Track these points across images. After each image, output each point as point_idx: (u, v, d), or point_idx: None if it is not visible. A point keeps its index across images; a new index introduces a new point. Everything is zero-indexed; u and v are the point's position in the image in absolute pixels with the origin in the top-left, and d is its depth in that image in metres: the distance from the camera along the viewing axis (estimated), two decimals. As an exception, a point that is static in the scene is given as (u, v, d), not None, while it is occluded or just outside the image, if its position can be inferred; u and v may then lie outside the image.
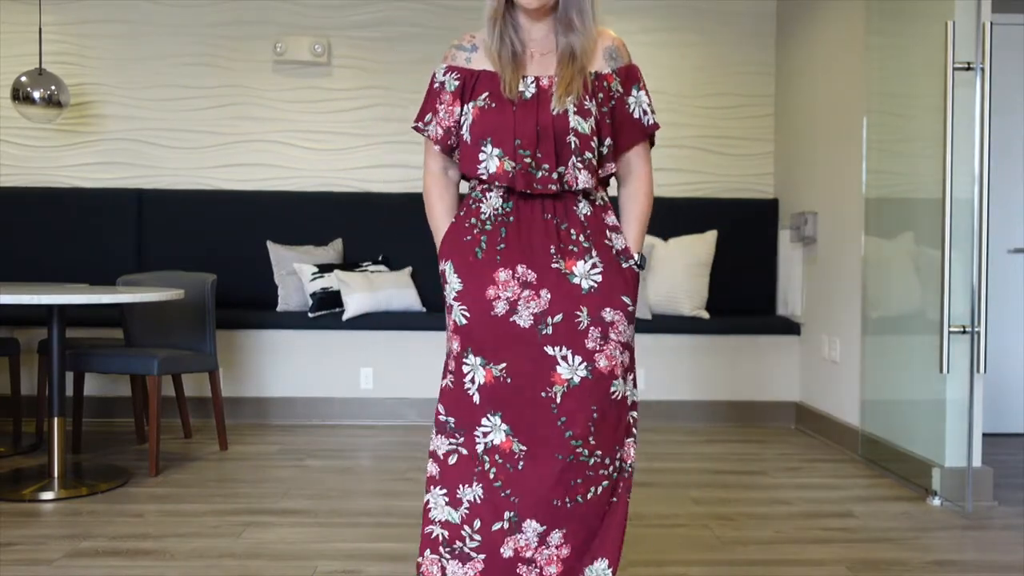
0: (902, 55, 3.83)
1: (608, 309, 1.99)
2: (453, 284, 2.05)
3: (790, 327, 4.96)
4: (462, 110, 2.02)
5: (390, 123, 5.33)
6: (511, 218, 2.01)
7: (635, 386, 2.06)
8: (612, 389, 1.98)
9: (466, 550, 1.99)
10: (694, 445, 4.44)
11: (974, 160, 3.33)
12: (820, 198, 4.71)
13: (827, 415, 4.55)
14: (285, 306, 4.90)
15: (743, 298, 5.22)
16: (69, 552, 2.74)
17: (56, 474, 3.44)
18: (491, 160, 1.97)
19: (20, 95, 4.81)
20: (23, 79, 4.82)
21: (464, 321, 2.01)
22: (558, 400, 1.95)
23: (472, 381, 2.00)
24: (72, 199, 5.13)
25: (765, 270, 5.26)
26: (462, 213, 2.08)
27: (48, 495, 3.32)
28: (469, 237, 2.03)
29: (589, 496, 1.97)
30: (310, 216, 5.17)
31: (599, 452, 1.97)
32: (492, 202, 2.03)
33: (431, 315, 4.88)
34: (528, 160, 1.95)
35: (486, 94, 1.99)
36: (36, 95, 4.80)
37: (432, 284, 5.09)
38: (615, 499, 2.02)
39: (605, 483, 1.99)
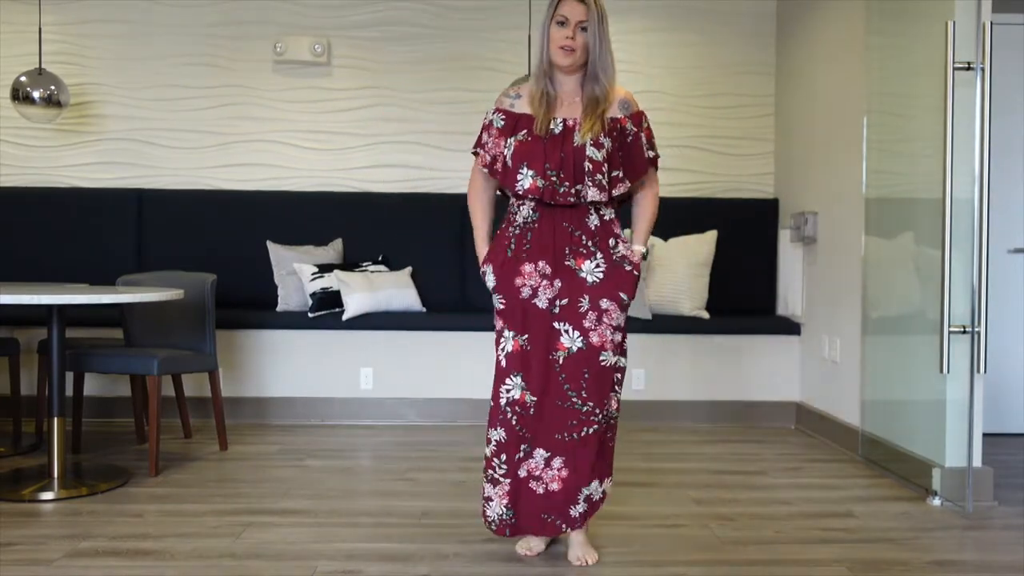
0: (902, 55, 3.83)
1: (605, 299, 2.64)
2: (490, 281, 2.71)
3: (790, 327, 4.96)
4: (506, 143, 2.66)
5: (390, 123, 5.33)
6: (536, 224, 2.66)
7: (624, 356, 2.70)
8: (601, 358, 2.64)
9: (496, 476, 2.70)
10: (694, 445, 4.44)
11: (974, 160, 3.33)
12: (820, 198, 4.71)
13: (827, 415, 4.55)
14: (285, 306, 4.90)
15: (743, 298, 5.21)
16: (69, 552, 2.74)
17: (56, 474, 3.44)
18: (526, 179, 2.62)
19: (20, 95, 4.81)
20: (23, 79, 4.82)
21: (502, 307, 2.69)
22: (560, 362, 2.64)
23: (503, 350, 2.69)
24: (72, 199, 5.14)
25: (765, 270, 5.26)
26: (504, 225, 2.74)
27: (48, 495, 3.32)
28: (505, 242, 2.70)
29: (583, 434, 2.64)
30: (310, 216, 5.17)
31: (590, 403, 2.63)
32: (524, 212, 2.69)
33: (431, 315, 4.88)
34: (554, 179, 2.60)
35: (525, 131, 2.65)
36: (36, 95, 4.81)
37: (432, 284, 5.10)
38: (603, 442, 2.67)
39: (595, 427, 2.65)
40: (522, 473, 2.67)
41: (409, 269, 5.06)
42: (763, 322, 5.02)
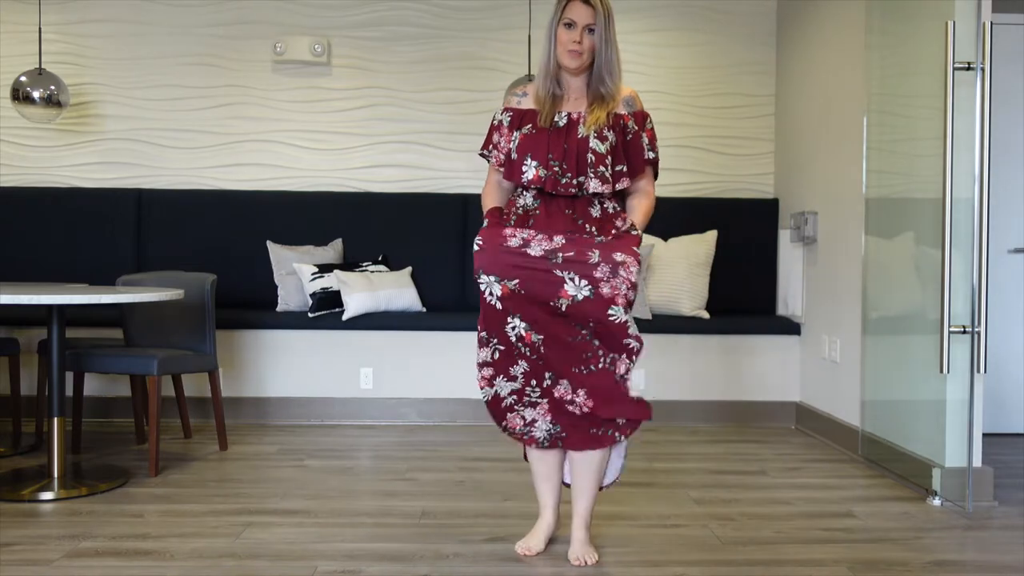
0: (902, 55, 3.83)
1: (619, 253, 2.56)
2: (483, 226, 2.68)
3: (790, 327, 4.95)
4: (513, 136, 2.69)
5: (390, 123, 5.33)
6: (538, 211, 2.66)
7: (627, 316, 2.59)
8: (611, 312, 2.56)
9: (533, 399, 2.70)
10: (694, 445, 4.44)
11: (974, 160, 3.33)
12: (820, 198, 4.71)
13: (827, 415, 4.55)
14: (285, 306, 4.90)
15: (743, 298, 5.21)
16: (69, 552, 2.74)
17: (56, 474, 3.44)
18: (530, 169, 2.62)
19: (20, 95, 4.81)
20: (23, 79, 4.82)
21: (477, 248, 2.63)
22: (563, 309, 2.57)
23: (491, 294, 2.62)
24: (72, 199, 5.14)
25: (765, 270, 5.26)
26: (508, 210, 2.72)
27: (48, 495, 3.32)
28: (505, 216, 2.71)
29: (599, 367, 2.61)
30: (310, 216, 5.17)
31: (597, 342, 2.59)
32: (526, 199, 2.69)
33: (431, 315, 4.88)
34: (556, 169, 2.60)
35: (530, 125, 2.67)
36: (36, 95, 4.81)
37: (432, 284, 5.10)
38: (620, 377, 2.62)
39: (610, 359, 2.61)
40: (557, 394, 2.66)
41: (409, 269, 5.06)
42: (763, 322, 5.02)
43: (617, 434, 2.69)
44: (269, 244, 4.99)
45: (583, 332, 2.58)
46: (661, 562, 2.73)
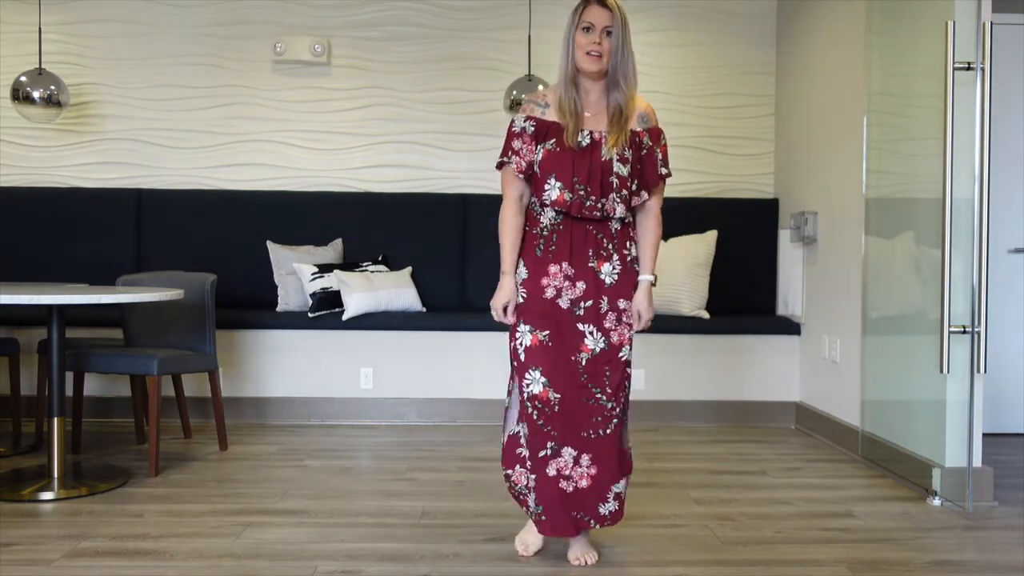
0: (902, 55, 3.83)
1: (622, 300, 2.70)
2: (522, 273, 2.71)
3: (790, 327, 4.95)
4: (536, 149, 2.66)
5: (390, 123, 5.33)
6: (561, 227, 2.68)
7: (631, 352, 2.74)
8: (620, 354, 2.71)
9: (528, 469, 2.71)
10: (694, 445, 4.44)
11: (974, 160, 3.33)
12: (820, 198, 4.71)
13: (827, 415, 4.55)
14: (285, 306, 4.90)
15: (743, 298, 5.21)
16: (69, 552, 2.74)
17: (56, 474, 3.44)
18: (553, 190, 2.64)
19: (20, 95, 4.81)
20: (23, 79, 4.82)
21: (521, 300, 2.69)
22: (583, 363, 2.67)
23: (521, 344, 2.68)
24: (72, 199, 5.13)
25: (765, 270, 5.26)
26: (527, 226, 2.73)
27: (48, 495, 3.32)
28: (535, 241, 2.71)
29: (607, 431, 2.68)
30: (310, 216, 5.17)
31: (612, 400, 2.68)
32: (548, 215, 2.70)
33: (431, 315, 4.88)
34: (581, 192, 2.63)
35: (553, 141, 2.65)
36: (36, 95, 4.81)
37: (432, 284, 5.10)
38: (622, 437, 2.72)
39: (615, 421, 2.69)
40: (551, 472, 2.66)
41: (409, 269, 5.06)
42: (763, 322, 5.02)
43: (593, 523, 2.70)
44: (269, 244, 4.98)
45: (597, 395, 2.66)
46: (661, 562, 2.74)
